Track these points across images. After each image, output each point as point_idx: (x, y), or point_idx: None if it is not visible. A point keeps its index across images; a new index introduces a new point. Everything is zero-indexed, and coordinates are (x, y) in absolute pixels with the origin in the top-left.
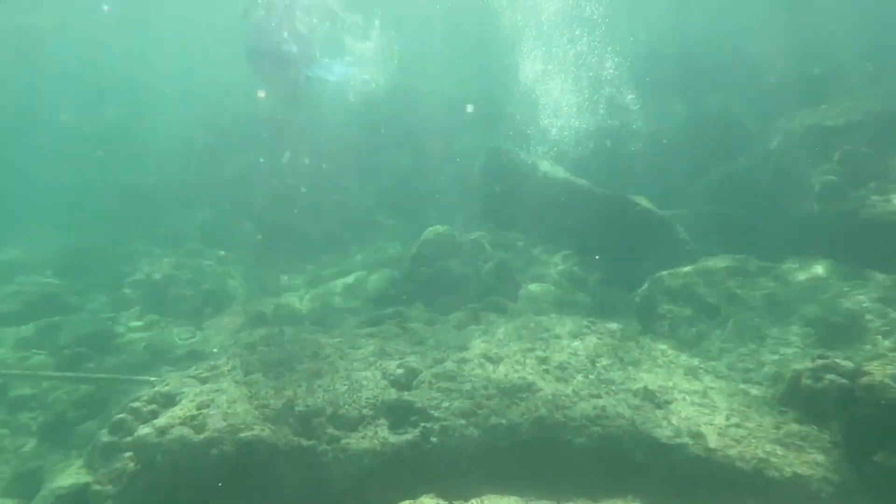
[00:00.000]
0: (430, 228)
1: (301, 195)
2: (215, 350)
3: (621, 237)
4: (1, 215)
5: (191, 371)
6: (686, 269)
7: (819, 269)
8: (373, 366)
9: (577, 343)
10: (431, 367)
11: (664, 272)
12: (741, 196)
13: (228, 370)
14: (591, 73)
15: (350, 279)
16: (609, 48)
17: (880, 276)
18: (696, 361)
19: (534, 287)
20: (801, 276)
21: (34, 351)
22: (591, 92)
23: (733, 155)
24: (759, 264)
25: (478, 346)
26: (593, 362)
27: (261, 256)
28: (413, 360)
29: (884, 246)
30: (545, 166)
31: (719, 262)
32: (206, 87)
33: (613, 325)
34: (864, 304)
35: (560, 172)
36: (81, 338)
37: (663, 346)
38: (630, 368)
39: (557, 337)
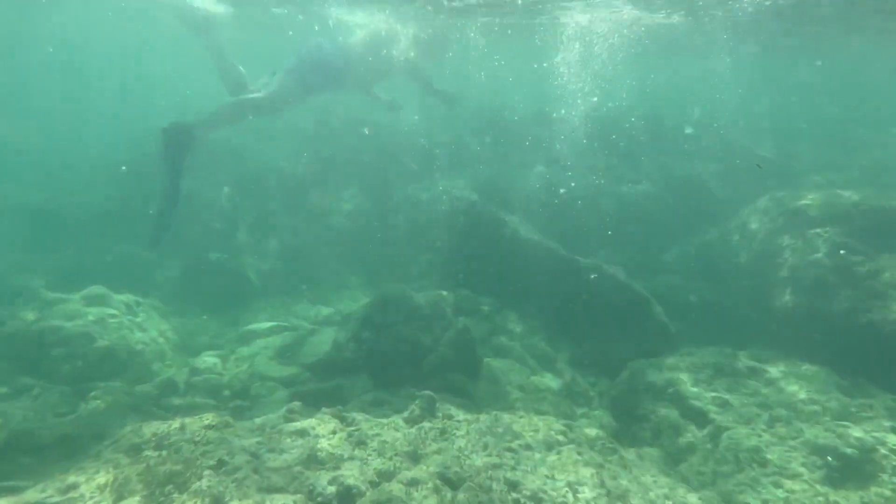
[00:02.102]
0: (384, 287)
1: (242, 233)
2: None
3: (595, 311)
4: None
5: (36, 490)
6: (669, 360)
7: (816, 378)
8: (297, 480)
9: (553, 458)
10: (373, 485)
11: (644, 362)
12: (716, 272)
13: (91, 492)
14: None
15: (287, 338)
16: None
17: (887, 398)
18: (694, 499)
19: (497, 363)
20: (796, 385)
21: None
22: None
23: (705, 225)
24: (747, 363)
25: (433, 458)
26: (575, 493)
27: (186, 304)
28: (350, 475)
29: (884, 357)
30: (515, 224)
31: (706, 357)
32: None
33: (592, 432)
34: (876, 434)
35: (532, 233)
36: None
37: (654, 474)
38: None
39: (529, 448)
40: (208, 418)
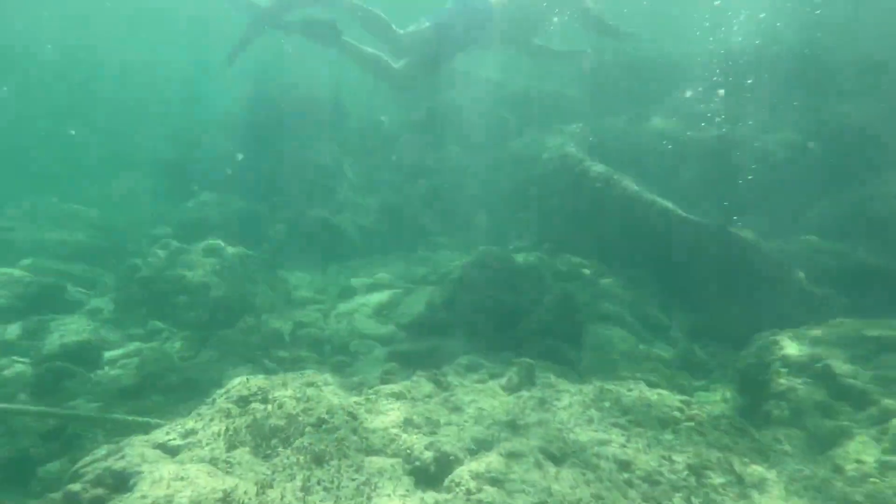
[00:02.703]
0: (481, 248)
1: (344, 190)
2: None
3: (717, 278)
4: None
5: (161, 432)
6: (815, 331)
7: None
8: (394, 443)
9: (669, 437)
10: (471, 454)
11: (781, 332)
12: (879, 235)
13: (208, 439)
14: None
15: (384, 296)
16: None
17: None
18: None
19: (603, 331)
20: None
21: (15, 359)
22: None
23: (865, 179)
24: None
25: (533, 430)
26: (698, 476)
27: (292, 259)
28: (447, 441)
29: None
30: (625, 182)
31: (866, 329)
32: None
33: (715, 409)
34: None
35: (644, 192)
36: (68, 348)
37: (798, 463)
38: (754, 494)
39: (640, 424)
40: (308, 375)
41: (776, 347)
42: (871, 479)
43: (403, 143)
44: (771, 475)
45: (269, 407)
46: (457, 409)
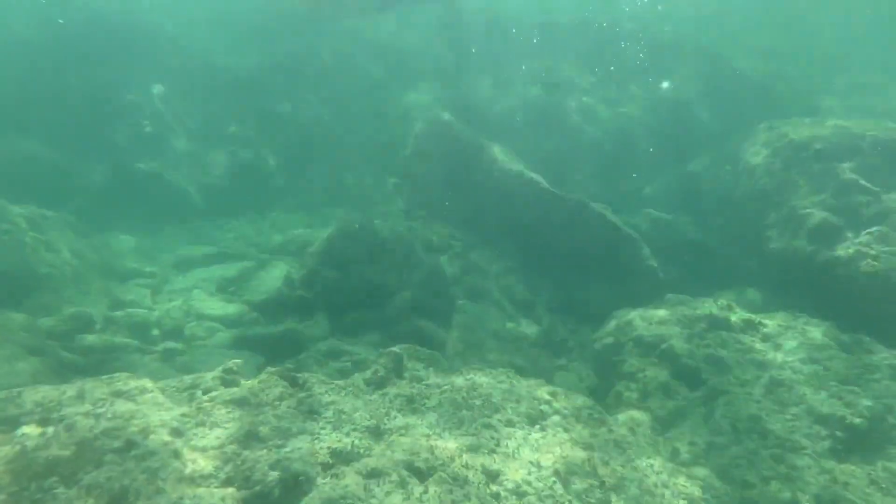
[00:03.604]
0: (346, 218)
1: (177, 138)
2: None
3: (577, 251)
4: None
5: None
6: (660, 312)
7: (815, 334)
8: (230, 464)
9: (537, 436)
10: (325, 469)
11: (633, 313)
12: (702, 207)
13: None
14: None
15: (232, 269)
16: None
17: (888, 355)
18: (691, 484)
19: (471, 308)
20: (794, 341)
21: None
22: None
23: (691, 154)
24: (743, 316)
25: (398, 441)
26: (565, 484)
27: (110, 220)
28: (297, 456)
29: (887, 311)
30: (495, 151)
31: (698, 308)
32: None
33: (578, 400)
34: (885, 401)
35: (513, 163)
36: None
37: (648, 455)
38: (615, 499)
39: (510, 423)
40: (119, 380)
41: (629, 328)
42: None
43: (255, 90)
44: (629, 474)
45: (50, 431)
46: (313, 412)
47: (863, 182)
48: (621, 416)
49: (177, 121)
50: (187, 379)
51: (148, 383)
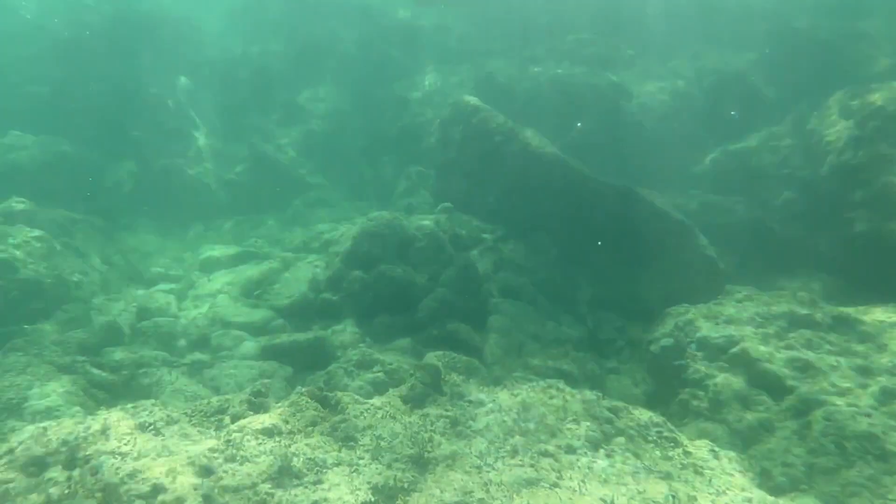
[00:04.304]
0: (373, 215)
1: (199, 132)
2: None
3: (621, 241)
4: None
5: None
6: (728, 308)
7: None
8: None
9: (604, 464)
10: None
11: (693, 310)
12: (760, 186)
13: None
14: None
15: (256, 270)
16: None
17: None
18: None
19: (507, 306)
20: None
21: None
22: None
23: (745, 129)
24: (832, 312)
25: (446, 476)
26: None
27: (136, 218)
28: (335, 495)
29: None
30: (528, 136)
31: (773, 303)
32: None
33: (644, 416)
34: None
35: (547, 146)
36: None
37: (746, 492)
38: None
39: (571, 450)
40: (145, 409)
41: (691, 329)
42: (801, 487)
43: (275, 80)
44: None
45: (76, 474)
46: (349, 439)
47: None
48: (692, 430)
49: (199, 114)
50: (214, 402)
51: (174, 412)
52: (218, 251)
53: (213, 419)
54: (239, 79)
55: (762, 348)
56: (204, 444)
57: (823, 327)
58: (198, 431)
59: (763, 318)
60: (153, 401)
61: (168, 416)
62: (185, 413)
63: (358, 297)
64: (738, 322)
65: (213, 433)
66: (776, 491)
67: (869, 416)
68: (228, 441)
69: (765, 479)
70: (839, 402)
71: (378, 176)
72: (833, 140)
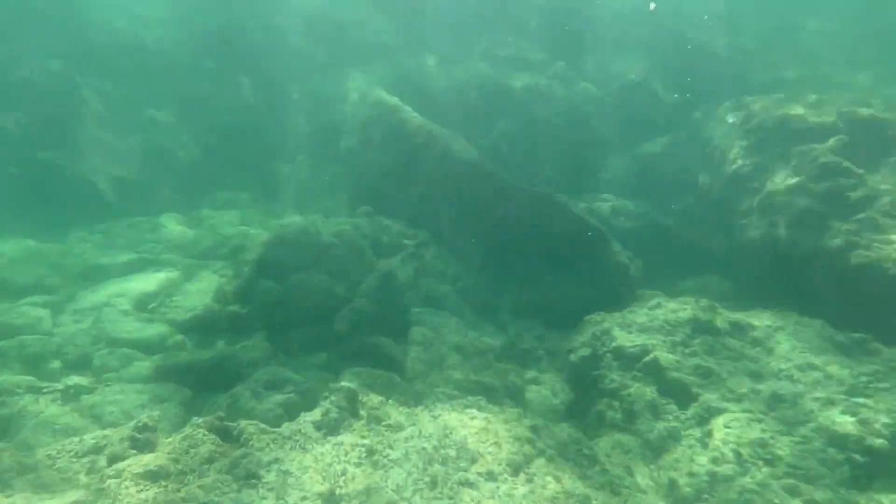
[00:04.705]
0: (286, 220)
1: (86, 122)
2: None
3: (540, 247)
4: None
5: None
6: (639, 317)
7: (809, 334)
8: None
9: (524, 490)
10: None
11: (608, 319)
12: (664, 191)
13: None
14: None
15: (152, 281)
16: None
17: (889, 356)
18: None
19: (429, 317)
20: (787, 344)
21: None
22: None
23: (650, 135)
24: (729, 317)
25: None
26: None
27: (4, 220)
28: None
29: (881, 305)
30: (448, 139)
31: (679, 311)
32: None
33: (563, 433)
34: None
35: (467, 151)
36: None
37: (650, 494)
38: None
39: (492, 477)
40: None
41: (607, 338)
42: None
43: (178, 70)
44: None
45: None
46: (251, 477)
47: (846, 164)
48: (608, 443)
49: (82, 102)
50: (88, 440)
51: (28, 458)
52: (106, 258)
53: (84, 461)
54: (133, 67)
55: (670, 356)
56: (66, 496)
57: (722, 333)
58: (62, 479)
59: (671, 326)
60: (2, 444)
61: (19, 462)
62: (48, 455)
63: (269, 309)
64: (649, 330)
65: (83, 479)
66: (682, 502)
67: (760, 421)
68: (100, 490)
69: (672, 490)
70: (735, 408)
71: (293, 176)
72: (725, 149)
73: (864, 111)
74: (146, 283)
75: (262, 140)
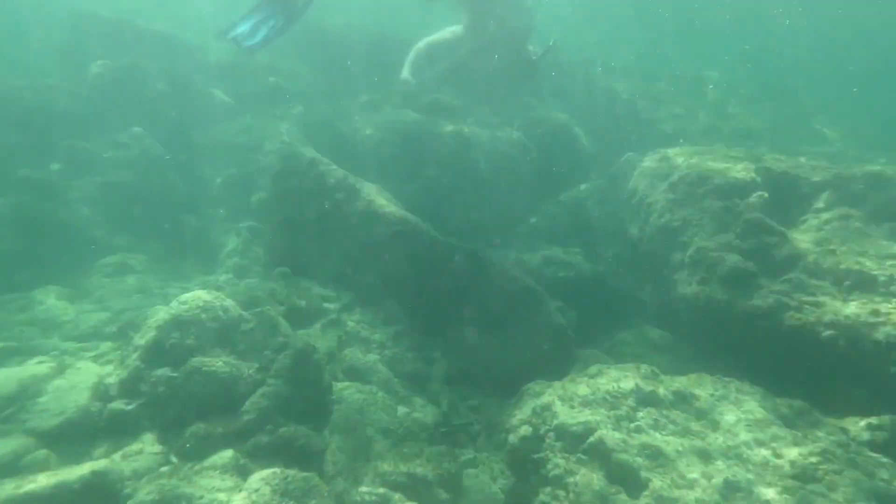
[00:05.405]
0: (185, 296)
1: None
2: None
3: (473, 308)
4: None
5: None
6: (581, 389)
7: (752, 405)
8: None
9: None
10: None
11: (548, 391)
12: (593, 238)
13: None
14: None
15: (10, 381)
16: None
17: (832, 427)
18: None
19: (353, 394)
20: (732, 415)
21: None
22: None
23: (574, 181)
24: (671, 386)
25: None
26: None
27: None
28: None
29: (823, 371)
30: (371, 193)
31: (621, 380)
32: None
33: None
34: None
35: (391, 205)
36: None
37: None
38: None
39: None
40: None
41: (549, 414)
42: None
43: (65, 123)
44: None
45: None
46: None
47: (768, 221)
48: None
49: None
50: None
51: None
52: None
53: None
54: (5, 119)
55: (616, 435)
56: None
57: (666, 404)
58: None
59: (614, 398)
60: None
61: None
62: None
63: (163, 402)
64: (592, 404)
65: None
66: None
67: None
68: None
69: None
70: (690, 496)
71: (201, 232)
72: (651, 202)
73: (778, 166)
74: (3, 382)
75: (166, 194)
